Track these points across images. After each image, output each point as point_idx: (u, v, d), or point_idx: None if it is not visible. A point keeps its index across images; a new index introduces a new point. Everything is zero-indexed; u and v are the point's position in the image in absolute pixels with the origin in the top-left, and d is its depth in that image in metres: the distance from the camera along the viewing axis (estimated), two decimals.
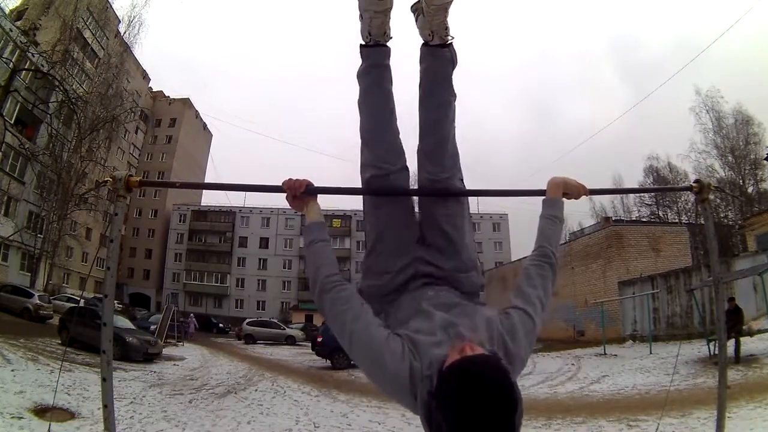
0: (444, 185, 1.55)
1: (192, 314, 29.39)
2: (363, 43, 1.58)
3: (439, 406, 0.91)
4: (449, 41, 1.54)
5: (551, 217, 1.48)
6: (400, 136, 1.63)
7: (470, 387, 0.87)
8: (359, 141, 1.63)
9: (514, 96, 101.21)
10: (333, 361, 13.77)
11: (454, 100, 1.58)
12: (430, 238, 1.55)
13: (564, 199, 1.55)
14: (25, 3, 27.87)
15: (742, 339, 9.37)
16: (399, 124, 1.64)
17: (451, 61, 1.55)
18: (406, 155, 1.62)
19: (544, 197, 1.54)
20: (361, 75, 1.60)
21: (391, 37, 1.58)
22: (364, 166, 1.61)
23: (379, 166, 1.56)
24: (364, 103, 1.60)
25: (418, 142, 1.61)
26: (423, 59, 1.57)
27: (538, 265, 1.37)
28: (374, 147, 1.59)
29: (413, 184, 1.63)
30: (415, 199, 1.64)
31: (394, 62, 1.62)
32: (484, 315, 1.22)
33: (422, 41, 1.57)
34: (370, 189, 1.59)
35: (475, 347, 1.00)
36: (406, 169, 1.61)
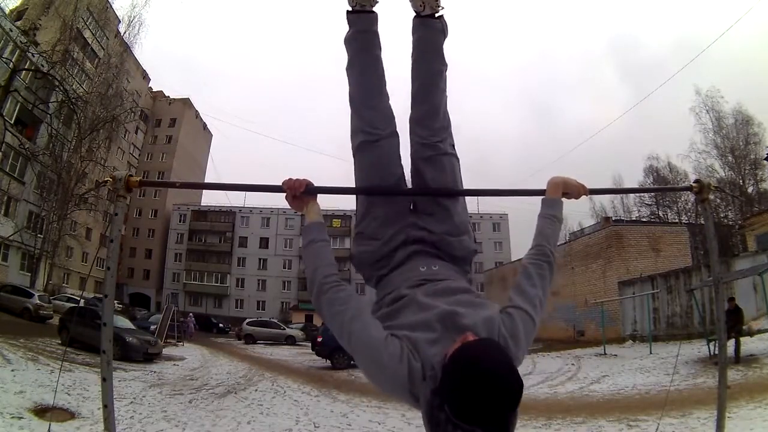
0: (435, 149, 1.56)
1: (191, 314, 29.23)
2: (349, 8, 1.58)
3: (441, 402, 0.91)
4: (440, 12, 1.56)
5: (550, 216, 1.47)
6: (391, 102, 1.63)
7: (473, 369, 0.87)
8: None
9: (514, 96, 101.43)
10: (333, 361, 13.77)
11: (446, 69, 1.61)
12: (422, 205, 1.57)
13: (564, 198, 1.54)
14: (25, 3, 27.86)
15: (742, 339, 9.36)
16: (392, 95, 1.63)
17: (442, 32, 1.58)
18: (400, 126, 1.63)
19: (543, 197, 1.53)
20: (348, 41, 1.60)
21: (377, 2, 1.58)
22: (354, 133, 1.62)
23: (369, 131, 1.57)
24: (352, 70, 1.61)
25: (410, 111, 1.62)
26: (415, 30, 1.59)
27: (537, 264, 1.35)
28: (363, 112, 1.59)
29: (404, 149, 1.64)
30: (408, 166, 1.64)
31: (387, 34, 1.62)
32: (483, 311, 1.19)
33: (414, 12, 1.58)
34: (368, 189, 1.58)
35: (475, 336, 1.01)
36: (396, 134, 1.61)
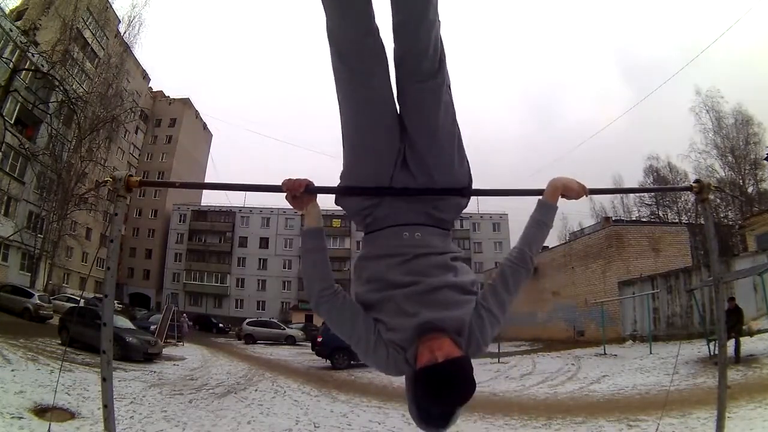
0: (422, 94, 1.33)
1: (184, 314, 28.70)
2: None
3: (417, 394, 1.20)
4: None
5: (539, 221, 1.46)
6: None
7: (439, 391, 1.13)
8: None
9: (514, 96, 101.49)
10: (333, 361, 13.78)
11: None
12: (413, 158, 1.45)
13: (563, 199, 1.53)
14: (25, 3, 27.86)
15: (742, 339, 9.36)
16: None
17: None
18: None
19: (540, 197, 1.51)
20: None
21: None
22: (337, 73, 1.36)
23: (357, 68, 1.31)
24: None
25: (393, 48, 1.34)
26: None
27: (515, 268, 1.38)
28: (347, 49, 1.31)
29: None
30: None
31: None
32: (457, 311, 1.29)
33: None
34: (368, 189, 1.48)
35: (442, 342, 1.19)
36: (387, 71, 1.35)
